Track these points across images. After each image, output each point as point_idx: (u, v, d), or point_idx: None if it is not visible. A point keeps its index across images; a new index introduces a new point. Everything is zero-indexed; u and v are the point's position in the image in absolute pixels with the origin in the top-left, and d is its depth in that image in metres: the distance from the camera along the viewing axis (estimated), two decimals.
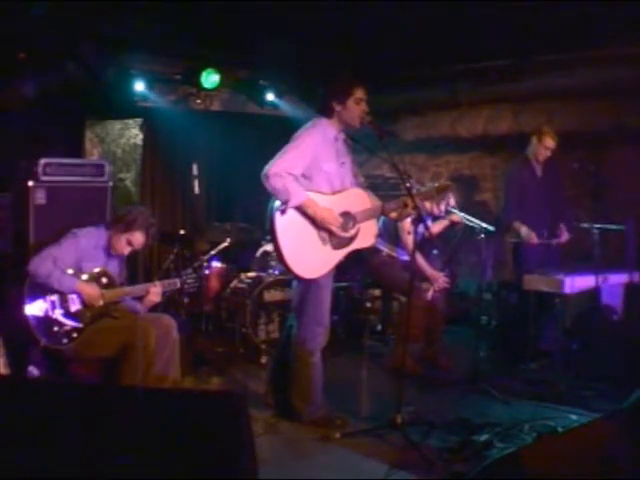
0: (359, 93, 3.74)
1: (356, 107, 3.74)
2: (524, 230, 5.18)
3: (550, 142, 5.23)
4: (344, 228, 3.73)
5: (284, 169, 3.56)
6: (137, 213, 4.08)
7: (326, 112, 3.79)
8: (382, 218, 5.09)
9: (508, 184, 5.47)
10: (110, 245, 4.03)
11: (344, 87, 3.77)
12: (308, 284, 3.76)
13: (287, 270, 3.74)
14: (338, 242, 3.73)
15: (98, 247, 4.01)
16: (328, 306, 3.84)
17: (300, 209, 3.61)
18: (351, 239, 3.78)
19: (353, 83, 3.78)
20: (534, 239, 5.16)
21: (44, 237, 4.23)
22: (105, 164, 4.93)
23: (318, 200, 3.66)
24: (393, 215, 3.91)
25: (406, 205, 3.80)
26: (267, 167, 3.58)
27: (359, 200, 3.84)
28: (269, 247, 5.56)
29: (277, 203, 3.63)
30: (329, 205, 3.70)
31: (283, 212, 3.60)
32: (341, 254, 3.78)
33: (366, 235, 3.86)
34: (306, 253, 3.66)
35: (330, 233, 3.69)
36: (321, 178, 3.71)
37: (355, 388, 4.48)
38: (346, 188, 3.83)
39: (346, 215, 3.75)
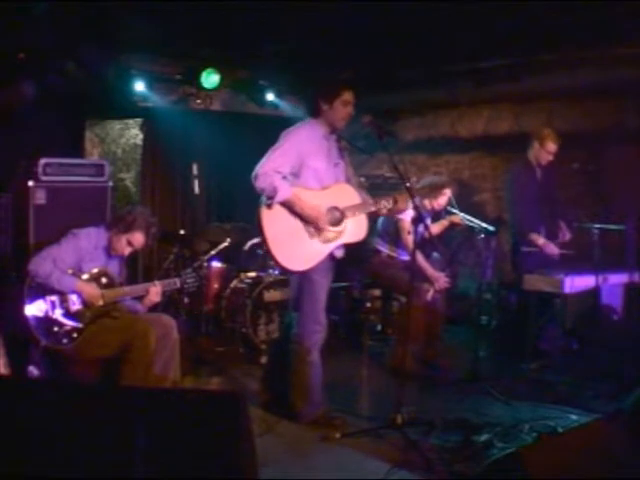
0: (347, 95, 3.83)
1: (342, 109, 3.83)
2: (542, 241, 5.11)
3: (552, 146, 5.14)
4: (331, 223, 3.80)
5: (271, 168, 3.65)
6: (137, 213, 4.09)
7: (314, 112, 3.89)
8: (381, 219, 5.11)
9: (511, 190, 5.35)
10: (110, 245, 4.04)
11: (332, 88, 3.87)
12: (302, 282, 3.82)
13: (274, 262, 3.82)
14: (326, 236, 3.79)
15: (98, 247, 4.02)
16: (324, 304, 3.87)
17: (286, 205, 3.69)
18: (340, 233, 3.84)
19: (341, 85, 3.88)
20: (553, 250, 5.12)
21: (44, 237, 4.23)
22: (105, 164, 4.93)
23: (305, 195, 3.73)
24: (383, 211, 3.99)
25: (396, 201, 3.92)
26: (256, 168, 3.68)
27: (347, 195, 3.90)
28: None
29: (264, 199, 3.71)
30: (316, 200, 3.76)
31: (269, 206, 3.69)
32: (330, 247, 3.83)
33: (356, 230, 3.91)
34: (293, 246, 3.73)
35: (317, 228, 3.75)
36: (308, 174, 3.78)
37: (355, 388, 4.49)
38: (335, 184, 3.90)
39: (334, 210, 3.81)
